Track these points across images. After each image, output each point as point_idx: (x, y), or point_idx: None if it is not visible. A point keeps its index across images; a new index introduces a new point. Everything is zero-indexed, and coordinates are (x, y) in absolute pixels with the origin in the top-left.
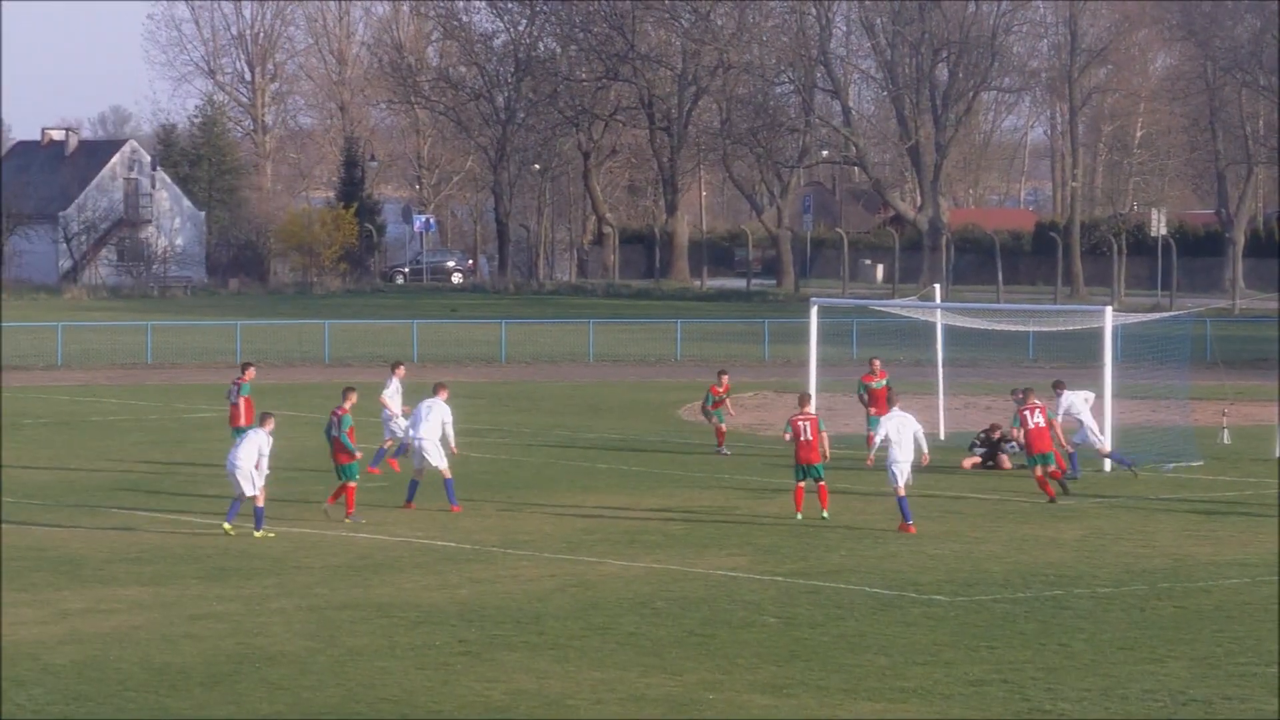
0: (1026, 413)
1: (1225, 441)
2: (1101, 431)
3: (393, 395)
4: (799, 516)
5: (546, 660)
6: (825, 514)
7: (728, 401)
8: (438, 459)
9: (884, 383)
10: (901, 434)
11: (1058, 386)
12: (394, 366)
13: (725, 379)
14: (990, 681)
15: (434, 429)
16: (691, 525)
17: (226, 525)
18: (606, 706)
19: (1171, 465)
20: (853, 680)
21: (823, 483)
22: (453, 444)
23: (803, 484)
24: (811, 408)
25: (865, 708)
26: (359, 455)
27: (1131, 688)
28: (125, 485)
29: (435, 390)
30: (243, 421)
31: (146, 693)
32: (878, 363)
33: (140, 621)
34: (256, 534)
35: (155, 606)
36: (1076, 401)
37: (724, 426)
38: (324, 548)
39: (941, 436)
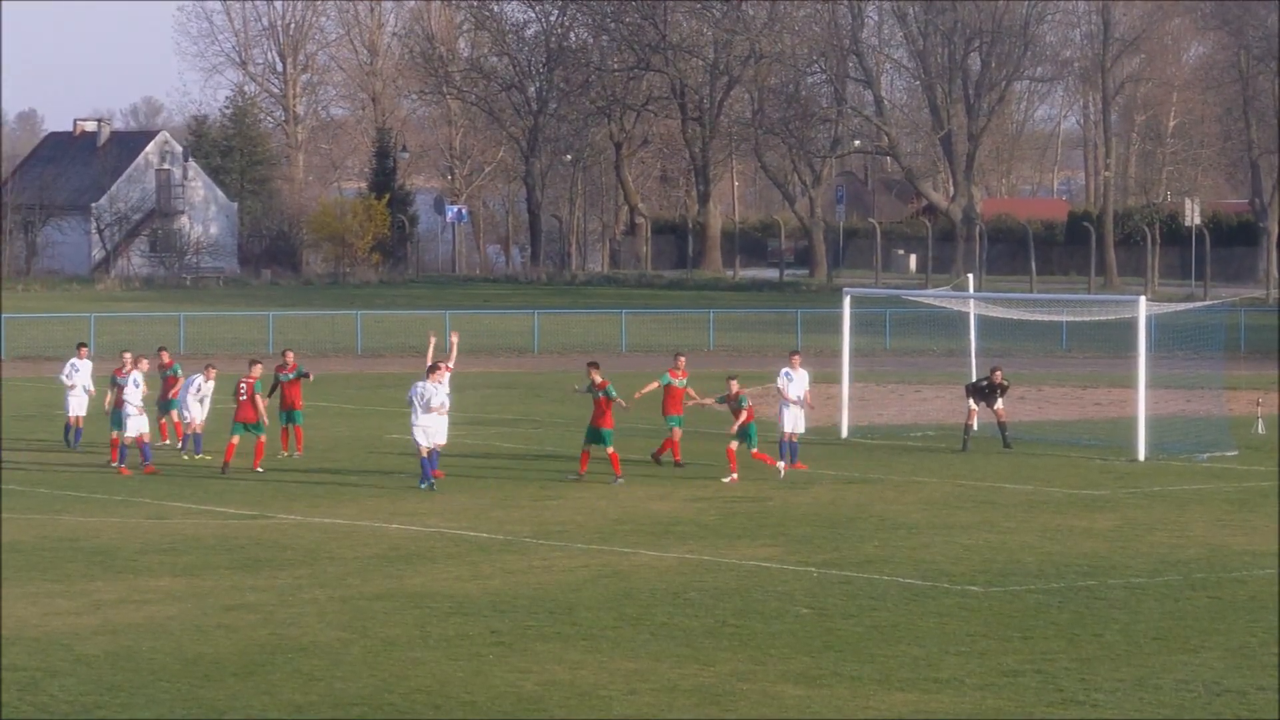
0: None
1: (1260, 431)
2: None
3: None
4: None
5: (579, 651)
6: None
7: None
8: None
9: (684, 382)
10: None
11: (793, 357)
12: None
13: (681, 361)
14: (1024, 672)
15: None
16: (724, 516)
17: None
18: (639, 697)
19: (1206, 455)
20: (886, 671)
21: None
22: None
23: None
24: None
25: (898, 698)
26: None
27: (1165, 678)
28: (158, 475)
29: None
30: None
31: (179, 683)
32: (683, 360)
33: (173, 612)
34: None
35: (188, 597)
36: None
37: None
38: (356, 538)
39: (975, 426)
